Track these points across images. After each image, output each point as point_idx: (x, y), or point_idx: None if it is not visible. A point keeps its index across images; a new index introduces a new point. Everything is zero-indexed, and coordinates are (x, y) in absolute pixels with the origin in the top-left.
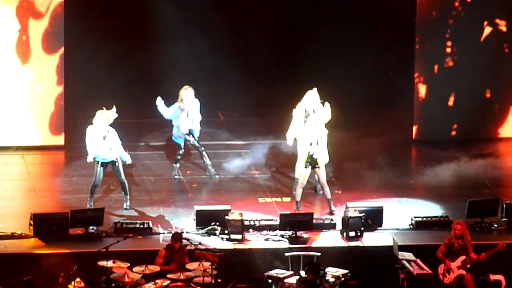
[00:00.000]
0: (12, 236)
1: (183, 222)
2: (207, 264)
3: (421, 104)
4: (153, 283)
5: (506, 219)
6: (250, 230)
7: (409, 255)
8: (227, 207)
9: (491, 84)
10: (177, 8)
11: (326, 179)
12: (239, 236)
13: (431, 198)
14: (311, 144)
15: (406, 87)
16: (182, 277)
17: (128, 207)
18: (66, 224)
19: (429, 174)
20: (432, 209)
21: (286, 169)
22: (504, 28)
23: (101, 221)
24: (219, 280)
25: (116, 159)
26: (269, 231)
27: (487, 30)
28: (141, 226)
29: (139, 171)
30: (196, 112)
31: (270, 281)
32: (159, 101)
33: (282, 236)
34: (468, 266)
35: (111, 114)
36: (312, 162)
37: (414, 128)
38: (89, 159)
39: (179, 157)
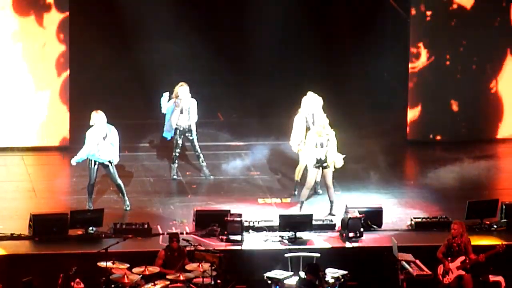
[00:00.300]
0: (11, 237)
1: (183, 223)
2: (206, 265)
3: (416, 105)
4: (153, 284)
5: (505, 220)
6: (250, 231)
7: (409, 256)
8: (227, 208)
9: (486, 85)
10: (176, 10)
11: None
12: (238, 237)
13: (431, 199)
14: (316, 146)
15: (401, 88)
16: (181, 278)
17: (128, 207)
18: (66, 225)
19: (428, 175)
20: (431, 210)
21: (286, 170)
22: (501, 27)
23: (101, 222)
24: (218, 281)
25: (109, 161)
26: (269, 232)
27: (484, 30)
28: (141, 227)
29: (138, 172)
30: (193, 112)
31: (269, 282)
32: (165, 95)
33: (281, 237)
34: (468, 266)
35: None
36: (320, 163)
37: (409, 129)
38: (75, 161)
39: (176, 156)
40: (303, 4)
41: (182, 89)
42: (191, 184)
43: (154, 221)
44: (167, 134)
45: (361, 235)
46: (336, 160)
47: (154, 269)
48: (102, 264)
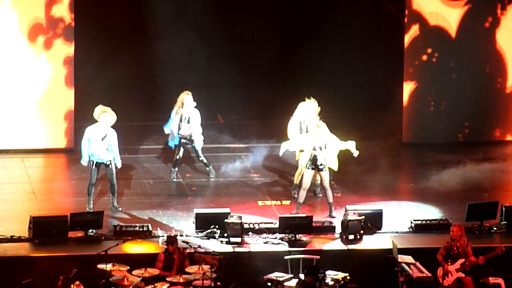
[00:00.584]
0: (11, 239)
1: (183, 225)
2: (206, 267)
3: (411, 107)
4: (152, 286)
5: (505, 222)
6: (250, 233)
7: (409, 258)
8: (227, 210)
9: (483, 87)
10: (176, 12)
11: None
12: (238, 239)
13: (431, 201)
14: (314, 149)
15: (396, 90)
16: (181, 280)
17: (115, 207)
18: (66, 227)
19: (429, 177)
20: (431, 212)
21: (286, 172)
22: (498, 27)
23: (101, 224)
24: (218, 283)
25: (110, 161)
26: (269, 234)
27: (480, 30)
28: (141, 229)
29: (138, 174)
30: (194, 122)
31: (269, 284)
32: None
33: (281, 239)
34: (467, 269)
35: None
36: (315, 164)
37: (405, 131)
38: (84, 161)
39: (177, 161)
40: (303, 7)
41: (188, 98)
42: (191, 186)
43: (154, 223)
44: (171, 143)
45: (361, 237)
46: (331, 163)
47: (154, 271)
48: (102, 266)
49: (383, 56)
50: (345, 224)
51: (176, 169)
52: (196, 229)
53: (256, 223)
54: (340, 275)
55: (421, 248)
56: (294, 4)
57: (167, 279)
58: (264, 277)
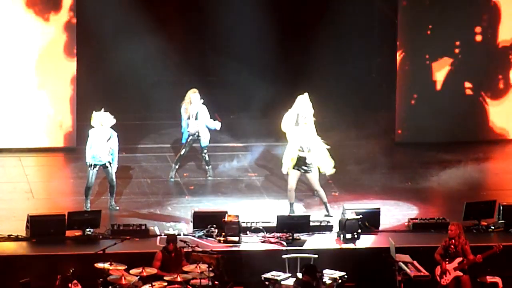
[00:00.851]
0: (8, 238)
1: (180, 224)
2: (204, 266)
3: (405, 106)
4: (150, 285)
5: (503, 221)
6: (247, 232)
7: (406, 257)
8: (224, 209)
9: (474, 85)
10: (175, 9)
11: (323, 182)
12: (236, 238)
13: (428, 200)
14: (301, 149)
15: (389, 89)
16: (179, 279)
17: (112, 206)
18: (63, 226)
19: (426, 176)
20: (429, 211)
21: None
22: (489, 28)
23: (98, 223)
24: (216, 282)
25: (109, 162)
26: (266, 233)
27: (473, 29)
28: (138, 228)
29: (136, 173)
30: (202, 118)
31: (267, 283)
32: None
33: (279, 238)
34: (465, 267)
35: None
36: (300, 166)
37: (399, 130)
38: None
39: (179, 158)
40: (299, 7)
41: (194, 96)
42: (188, 185)
43: (151, 222)
44: (183, 139)
45: (359, 236)
46: (322, 166)
47: (152, 270)
48: (100, 265)
49: (377, 55)
50: (342, 223)
51: (177, 166)
52: (193, 228)
53: (253, 222)
54: (337, 274)
55: (419, 247)
56: (291, 3)
57: (165, 278)
58: (262, 276)
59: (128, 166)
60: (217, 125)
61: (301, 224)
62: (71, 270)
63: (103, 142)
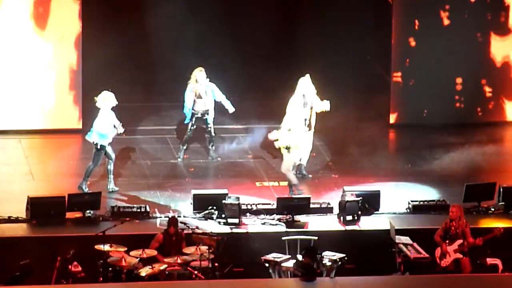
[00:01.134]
0: (8, 220)
1: (180, 206)
2: (204, 248)
3: (400, 89)
4: (150, 267)
5: (503, 203)
6: (247, 214)
7: (406, 239)
8: (224, 191)
9: (469, 68)
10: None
11: (324, 164)
12: (236, 220)
13: (428, 182)
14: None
15: (384, 71)
16: (179, 261)
17: (113, 188)
18: (63, 208)
19: (426, 158)
20: (429, 193)
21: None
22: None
23: (98, 205)
24: (216, 264)
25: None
26: (266, 215)
27: (467, 13)
28: (138, 210)
29: (136, 155)
30: (216, 94)
31: (267, 265)
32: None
33: (279, 220)
34: (465, 250)
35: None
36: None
37: (394, 113)
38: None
39: (187, 139)
40: None
41: (201, 74)
42: (188, 167)
43: (151, 204)
44: (187, 119)
45: (359, 218)
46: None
47: (152, 252)
48: (100, 247)
49: (372, 37)
50: (342, 205)
51: (185, 147)
52: (193, 210)
53: (253, 204)
54: (337, 256)
55: (419, 229)
56: None
57: (165, 260)
58: (262, 258)
59: (128, 148)
60: (231, 107)
61: (301, 206)
62: (71, 252)
63: (111, 122)
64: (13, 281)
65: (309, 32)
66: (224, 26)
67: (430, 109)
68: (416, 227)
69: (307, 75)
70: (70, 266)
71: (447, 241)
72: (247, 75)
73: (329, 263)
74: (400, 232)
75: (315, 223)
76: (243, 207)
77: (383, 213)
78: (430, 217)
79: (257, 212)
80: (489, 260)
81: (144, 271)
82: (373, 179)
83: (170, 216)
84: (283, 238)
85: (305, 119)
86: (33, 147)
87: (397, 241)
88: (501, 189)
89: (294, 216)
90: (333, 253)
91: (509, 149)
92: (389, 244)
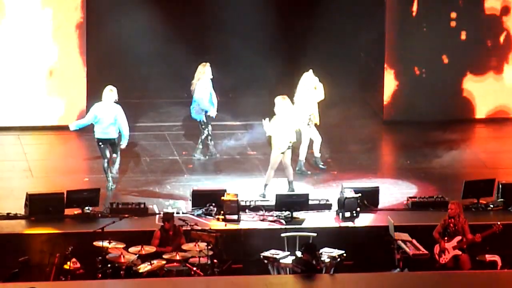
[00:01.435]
0: (7, 217)
1: (179, 203)
2: (203, 244)
3: (393, 85)
4: (149, 263)
5: (502, 199)
6: (246, 210)
7: (405, 236)
8: (223, 187)
9: (462, 64)
10: None
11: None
12: (235, 217)
13: (427, 178)
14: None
15: (377, 68)
16: (178, 257)
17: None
18: (62, 205)
19: (425, 155)
20: (428, 190)
21: None
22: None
23: (97, 201)
24: (215, 261)
25: (115, 139)
26: (265, 211)
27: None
28: (137, 206)
29: (135, 151)
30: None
31: (265, 261)
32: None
33: (278, 216)
34: (464, 246)
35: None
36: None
37: (387, 110)
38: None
39: (203, 138)
40: None
41: (209, 69)
42: (187, 163)
43: (150, 200)
44: (199, 117)
45: (358, 215)
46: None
47: (151, 248)
48: (99, 243)
49: (365, 33)
50: (341, 201)
51: (201, 146)
52: (192, 206)
53: (252, 200)
54: (336, 252)
55: (418, 226)
56: None
57: (164, 256)
58: (261, 254)
59: (127, 145)
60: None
61: (300, 203)
62: (69, 248)
63: (111, 117)
64: (12, 277)
65: (309, 29)
66: (223, 21)
67: (424, 105)
68: (415, 224)
69: (310, 70)
70: (68, 263)
71: (446, 238)
72: (246, 71)
73: (328, 260)
74: (399, 228)
75: (314, 219)
76: (242, 203)
77: (382, 210)
78: (429, 213)
79: (255, 209)
80: (488, 257)
81: (143, 268)
82: (372, 176)
83: (165, 212)
84: (282, 234)
85: (310, 114)
86: (32, 144)
87: (396, 237)
88: (500, 186)
89: (293, 213)
90: (332, 250)
91: (508, 145)
92: (388, 240)
